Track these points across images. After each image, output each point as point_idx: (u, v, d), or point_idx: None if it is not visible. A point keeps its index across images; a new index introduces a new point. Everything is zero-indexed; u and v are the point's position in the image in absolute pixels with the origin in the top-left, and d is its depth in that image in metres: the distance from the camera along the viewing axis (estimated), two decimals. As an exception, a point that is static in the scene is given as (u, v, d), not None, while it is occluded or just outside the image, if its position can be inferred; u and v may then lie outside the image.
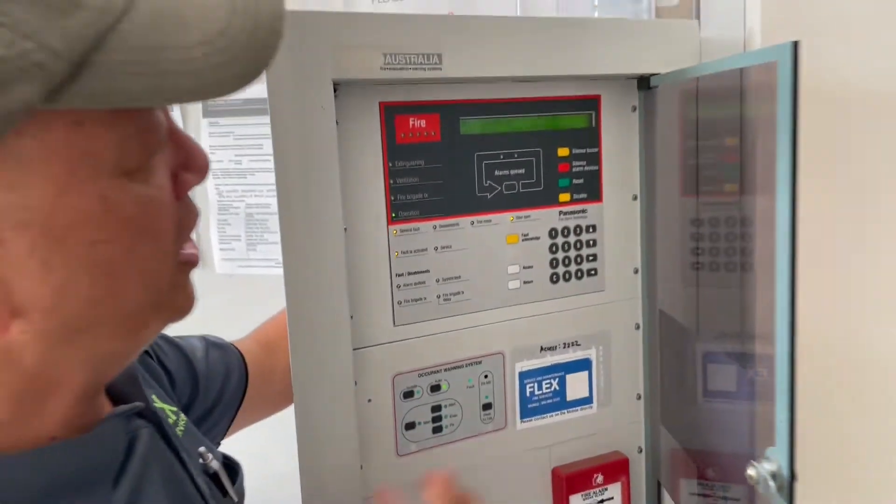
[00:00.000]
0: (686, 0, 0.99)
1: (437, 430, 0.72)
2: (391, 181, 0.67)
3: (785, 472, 0.50)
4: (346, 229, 0.65)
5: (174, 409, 0.59)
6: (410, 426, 0.71)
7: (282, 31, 0.37)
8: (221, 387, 0.73)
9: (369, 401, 0.68)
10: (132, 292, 0.39)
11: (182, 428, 0.57)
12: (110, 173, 0.36)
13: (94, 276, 0.36)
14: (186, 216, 0.42)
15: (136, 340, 0.42)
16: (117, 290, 0.38)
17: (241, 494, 0.59)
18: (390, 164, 0.67)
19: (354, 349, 0.66)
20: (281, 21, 0.37)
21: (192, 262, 0.43)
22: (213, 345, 0.73)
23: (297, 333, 0.61)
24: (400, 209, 0.68)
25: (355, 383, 0.66)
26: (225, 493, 0.56)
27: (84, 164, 0.34)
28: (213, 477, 0.55)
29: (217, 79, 0.35)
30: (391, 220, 0.68)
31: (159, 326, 0.43)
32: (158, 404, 0.56)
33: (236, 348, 0.76)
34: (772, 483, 0.50)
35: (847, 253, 0.63)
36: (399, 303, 0.69)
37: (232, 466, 0.59)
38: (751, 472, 0.52)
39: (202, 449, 0.56)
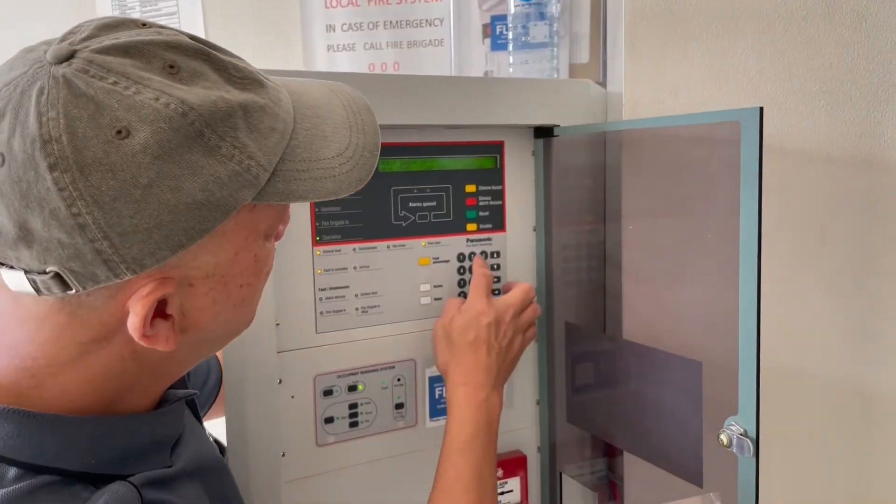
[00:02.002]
0: (595, 58, 1.13)
1: (353, 424, 0.83)
2: (316, 209, 0.79)
3: (753, 434, 0.62)
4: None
5: None
6: (329, 420, 0.82)
7: (380, 143, 0.54)
8: (203, 383, 0.85)
9: (292, 397, 0.79)
10: (247, 316, 0.53)
11: None
12: (261, 238, 0.50)
13: (235, 307, 0.50)
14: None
15: (225, 345, 0.56)
16: (242, 316, 0.52)
17: None
18: (316, 196, 0.79)
19: (279, 352, 0.77)
20: (378, 136, 0.54)
21: None
22: None
23: (229, 336, 0.73)
24: (324, 233, 0.80)
25: (280, 382, 0.78)
26: None
27: (252, 233, 0.49)
28: None
29: (348, 181, 0.50)
30: (315, 242, 0.80)
31: None
32: None
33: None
34: (746, 441, 0.62)
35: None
36: (321, 313, 0.81)
37: (220, 447, 0.71)
38: (722, 437, 0.64)
39: (207, 429, 0.67)
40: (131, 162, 0.40)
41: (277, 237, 0.56)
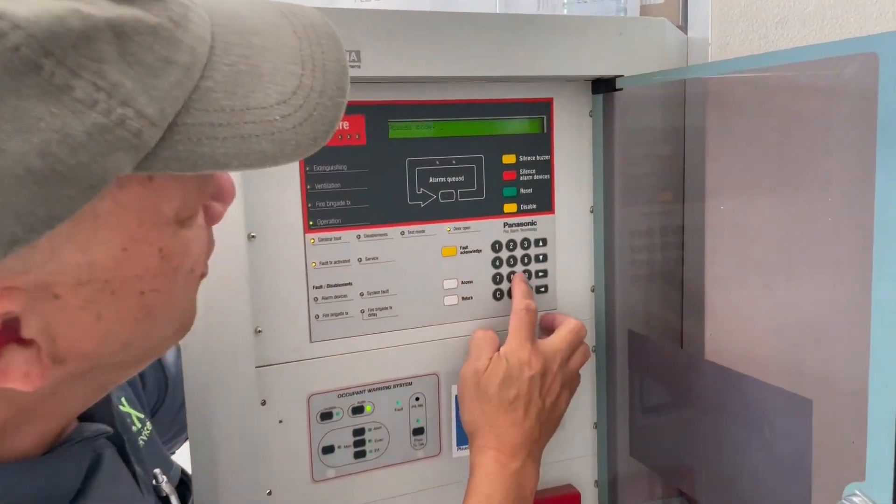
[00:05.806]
0: (671, -2, 0.92)
1: (359, 454, 0.67)
2: (308, 186, 0.63)
3: None
4: (253, 236, 0.60)
5: (141, 415, 0.59)
6: (328, 450, 0.66)
7: (347, 88, 0.37)
8: (165, 396, 0.73)
9: (280, 422, 0.64)
10: (164, 329, 0.39)
11: (145, 437, 0.57)
12: (169, 224, 0.35)
13: (136, 322, 0.36)
14: (210, 243, 0.42)
15: (144, 365, 0.42)
16: (152, 330, 0.38)
17: None
18: (307, 168, 0.62)
19: (260, 366, 0.62)
20: (346, 77, 0.37)
21: (204, 275, 0.42)
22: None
23: (190, 349, 0.57)
24: (319, 217, 0.63)
25: (263, 403, 0.62)
26: None
27: (150, 217, 0.34)
28: (165, 500, 0.54)
29: (296, 140, 0.34)
30: (308, 228, 0.63)
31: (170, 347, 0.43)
32: (126, 408, 0.56)
33: None
34: None
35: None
36: (316, 317, 0.64)
37: (186, 485, 0.59)
38: None
39: (157, 470, 0.54)
40: None
41: (212, 219, 0.41)
